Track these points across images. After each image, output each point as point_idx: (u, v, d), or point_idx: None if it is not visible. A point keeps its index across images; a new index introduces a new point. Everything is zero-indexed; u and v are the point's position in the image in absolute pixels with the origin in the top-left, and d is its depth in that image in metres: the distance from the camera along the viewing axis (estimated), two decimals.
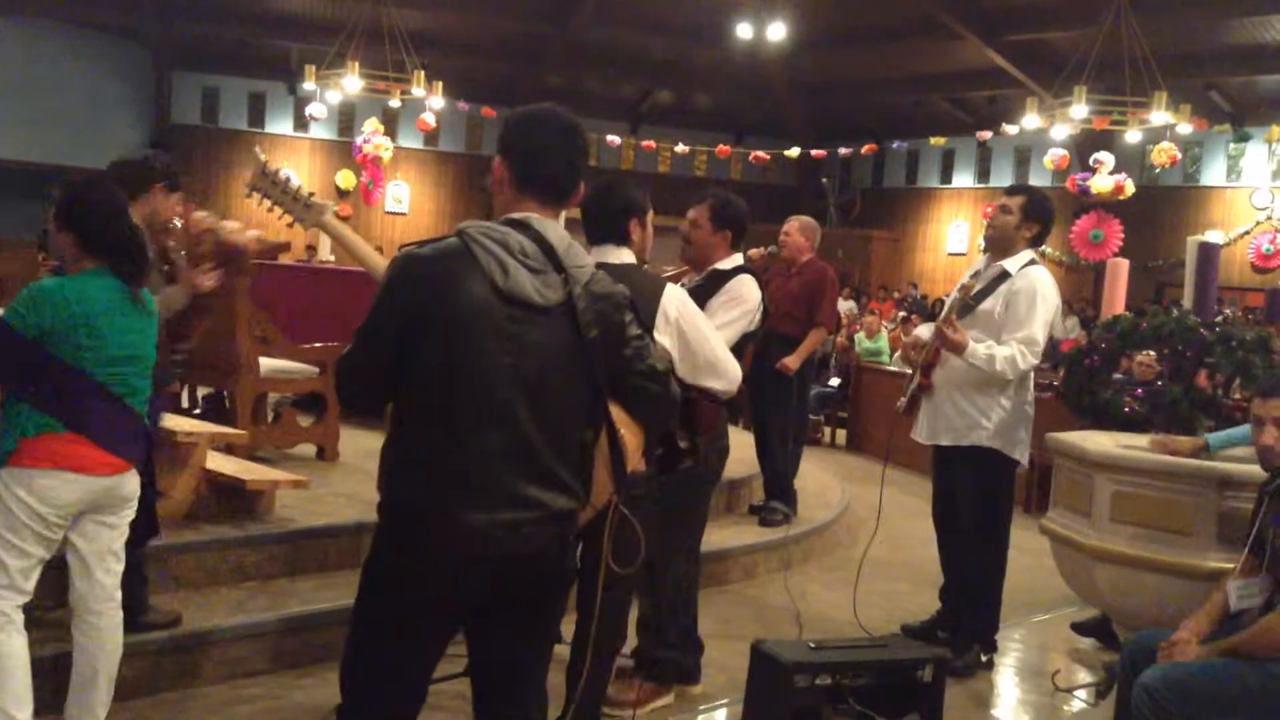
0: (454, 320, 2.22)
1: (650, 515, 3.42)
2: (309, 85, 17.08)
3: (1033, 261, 4.57)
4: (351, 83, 16.28)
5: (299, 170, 21.39)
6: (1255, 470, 3.95)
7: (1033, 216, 4.56)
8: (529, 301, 2.25)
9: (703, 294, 3.94)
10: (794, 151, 18.92)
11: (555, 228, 2.37)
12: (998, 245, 4.58)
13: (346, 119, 20.95)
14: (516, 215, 2.36)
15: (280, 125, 21.42)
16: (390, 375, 2.29)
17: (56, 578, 3.40)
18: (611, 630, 3.46)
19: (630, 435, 2.47)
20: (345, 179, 21.06)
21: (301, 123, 20.57)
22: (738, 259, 4.15)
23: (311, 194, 2.96)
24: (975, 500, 4.59)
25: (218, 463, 4.74)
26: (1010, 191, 4.67)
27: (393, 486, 2.30)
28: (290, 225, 3.04)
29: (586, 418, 2.37)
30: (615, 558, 2.50)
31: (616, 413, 2.43)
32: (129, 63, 19.97)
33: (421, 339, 2.23)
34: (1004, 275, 4.51)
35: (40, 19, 18.72)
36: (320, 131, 20.93)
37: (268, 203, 2.94)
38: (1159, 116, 13.78)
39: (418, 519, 2.24)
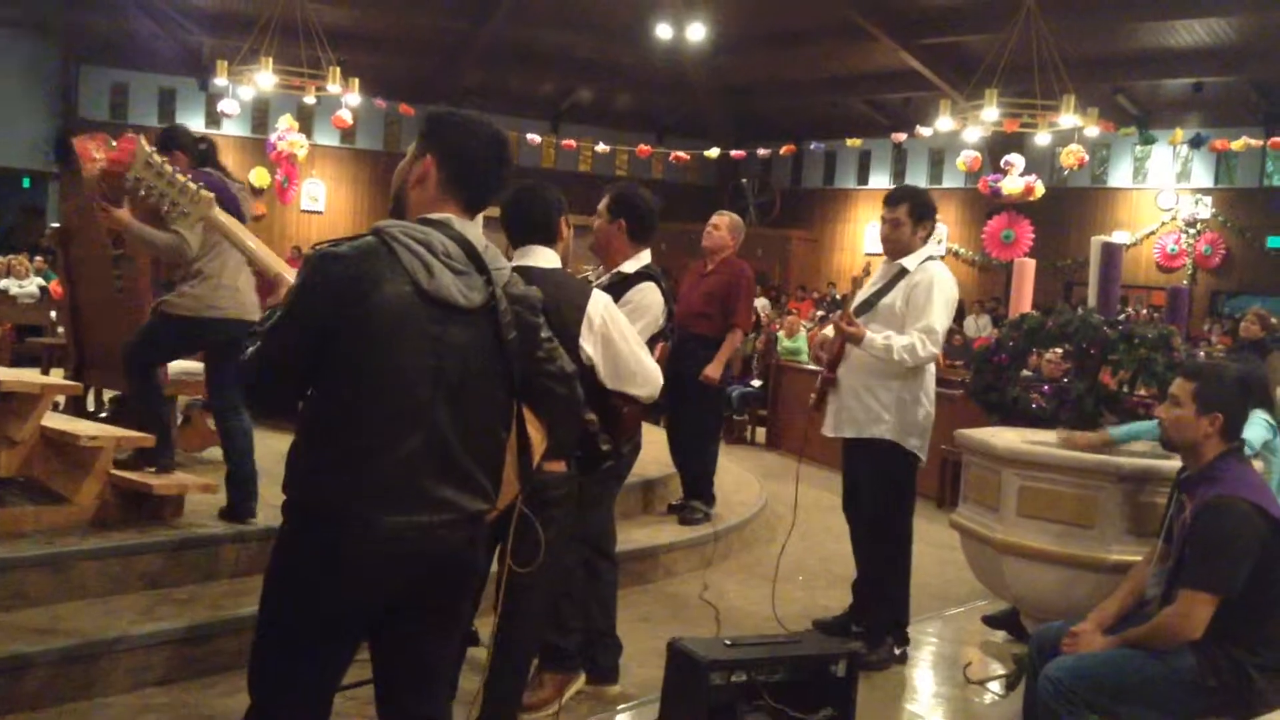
0: (375, 321, 2.18)
1: (570, 517, 3.42)
2: (221, 81, 16.76)
3: (930, 258, 4.70)
4: (265, 79, 16.00)
5: (211, 167, 20.93)
6: (1156, 464, 4.07)
7: (920, 217, 4.70)
8: (452, 303, 2.24)
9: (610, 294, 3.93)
10: (714, 152, 19.05)
11: (474, 229, 2.36)
12: (898, 253, 4.72)
13: (260, 116, 20.60)
14: (436, 215, 2.33)
15: (191, 121, 20.91)
16: (301, 376, 2.24)
17: None
18: (529, 632, 3.44)
19: (536, 435, 2.47)
20: (259, 177, 20.67)
21: (214, 119, 20.17)
22: (643, 258, 4.14)
23: (200, 186, 2.87)
24: (876, 492, 4.70)
25: (124, 467, 4.63)
26: (892, 202, 4.74)
27: (305, 488, 2.26)
28: (172, 216, 2.95)
29: (502, 419, 2.37)
30: (516, 557, 2.50)
31: (524, 413, 2.43)
32: (36, 57, 19.40)
33: (340, 340, 2.19)
34: (903, 272, 4.66)
35: None
36: (233, 128, 20.53)
37: (153, 195, 2.85)
38: (1067, 119, 14.13)
39: (332, 521, 2.20)
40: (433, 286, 2.22)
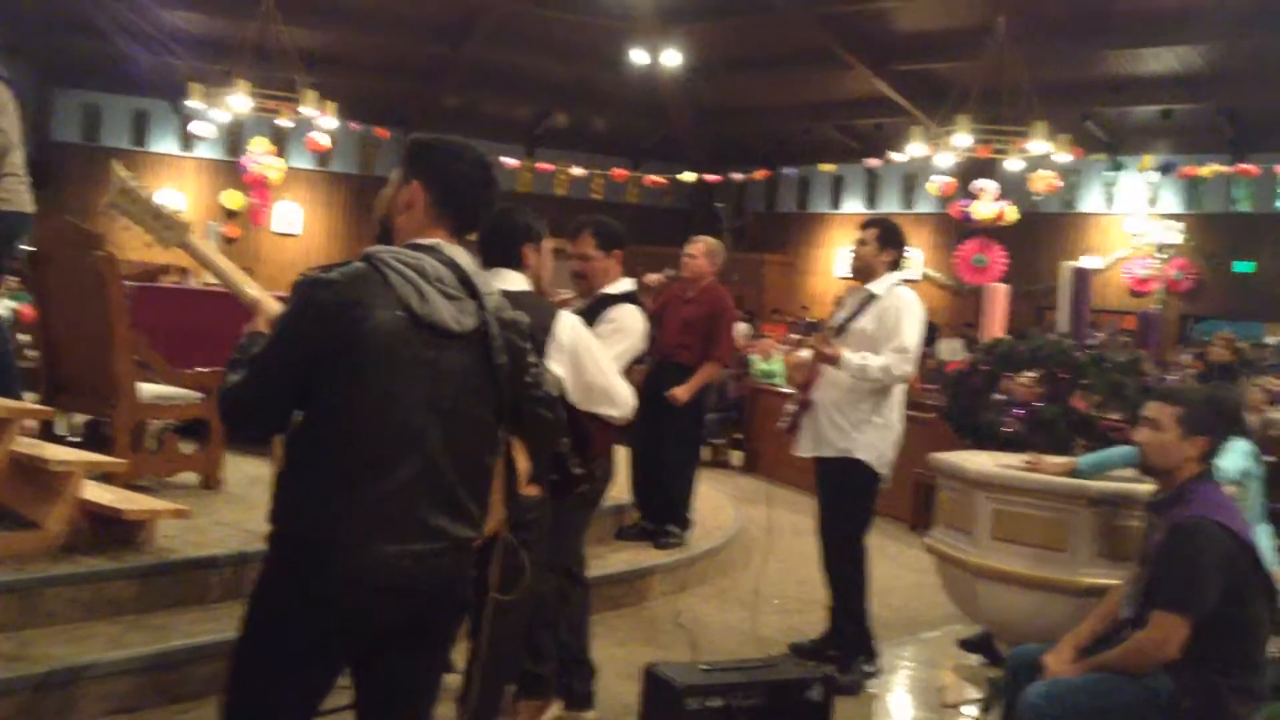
0: (367, 348, 2.17)
1: (544, 542, 3.42)
2: (195, 103, 16.71)
3: (897, 283, 4.81)
4: (239, 101, 15.97)
5: (184, 190, 20.88)
6: (1128, 487, 4.11)
7: (887, 243, 4.85)
8: (445, 328, 2.23)
9: (589, 318, 3.95)
10: (689, 176, 19.15)
11: (463, 254, 2.36)
12: (863, 274, 4.87)
13: (234, 138, 20.53)
14: (425, 240, 2.32)
15: (165, 144, 20.89)
16: (289, 405, 2.23)
17: None
18: (505, 659, 3.43)
19: (522, 460, 2.47)
20: (232, 199, 20.61)
21: (187, 142, 20.11)
22: (627, 284, 4.17)
23: (176, 212, 2.85)
24: (836, 510, 4.76)
25: (95, 492, 4.57)
26: (865, 225, 4.96)
27: (294, 517, 2.23)
28: (149, 245, 2.93)
29: (491, 445, 2.37)
30: (500, 584, 2.49)
31: (510, 438, 2.43)
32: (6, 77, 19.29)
33: (330, 367, 2.17)
34: (871, 297, 4.77)
35: None
36: (206, 151, 20.47)
37: (126, 221, 2.82)
38: (1038, 145, 14.30)
39: (323, 550, 2.17)
40: (426, 311, 2.21)
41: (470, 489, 2.31)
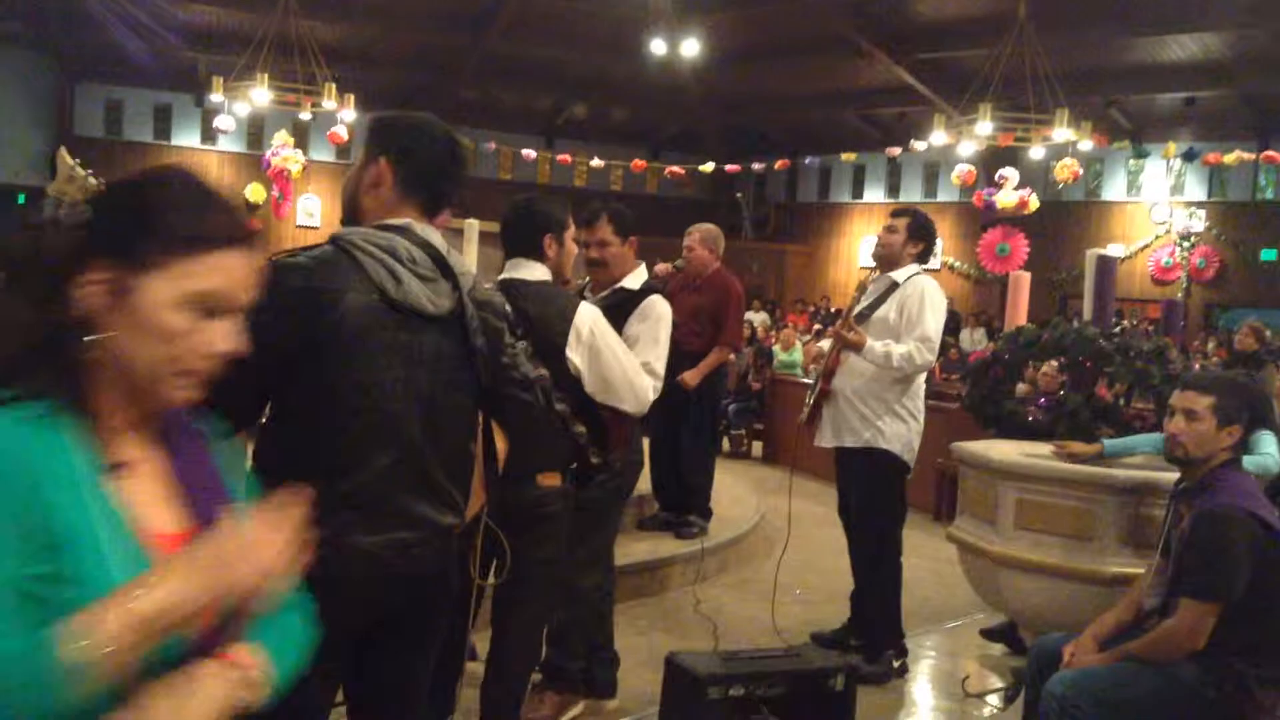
0: (340, 334, 2.09)
1: (565, 532, 3.42)
2: (216, 97, 16.77)
3: (919, 272, 4.79)
4: (260, 95, 16.03)
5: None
6: (1154, 476, 4.08)
7: (916, 236, 4.81)
8: (421, 311, 2.16)
9: (614, 314, 3.93)
10: (709, 166, 19.09)
11: (435, 234, 2.29)
12: (886, 262, 4.84)
13: (256, 132, 20.63)
14: (395, 221, 2.24)
15: (187, 138, 21.00)
16: (261, 396, 2.15)
17: None
18: (525, 648, 3.44)
19: (501, 444, 2.44)
20: (255, 192, 20.70)
21: (209, 135, 20.19)
22: (642, 274, 4.16)
23: None
24: (867, 502, 4.73)
25: None
26: (895, 214, 4.93)
27: None
28: None
29: (471, 428, 2.31)
30: (482, 570, 2.45)
31: (490, 422, 2.39)
32: (31, 73, 19.43)
33: (303, 355, 2.09)
34: (894, 285, 4.74)
35: None
36: (228, 144, 20.56)
37: (76, 213, 2.75)
38: (1061, 133, 14.18)
39: (303, 545, 2.13)
40: (401, 295, 2.14)
41: (451, 474, 2.25)
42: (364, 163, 2.31)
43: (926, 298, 4.65)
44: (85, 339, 1.32)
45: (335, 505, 2.09)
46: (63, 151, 2.81)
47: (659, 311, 4.01)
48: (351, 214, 2.32)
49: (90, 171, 2.75)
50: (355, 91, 16.61)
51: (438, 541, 2.23)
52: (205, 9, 18.63)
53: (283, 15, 16.28)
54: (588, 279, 4.27)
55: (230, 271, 1.40)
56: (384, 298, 2.13)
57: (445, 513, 2.24)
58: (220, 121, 18.09)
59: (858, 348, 4.59)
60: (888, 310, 4.68)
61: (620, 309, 3.96)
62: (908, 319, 4.62)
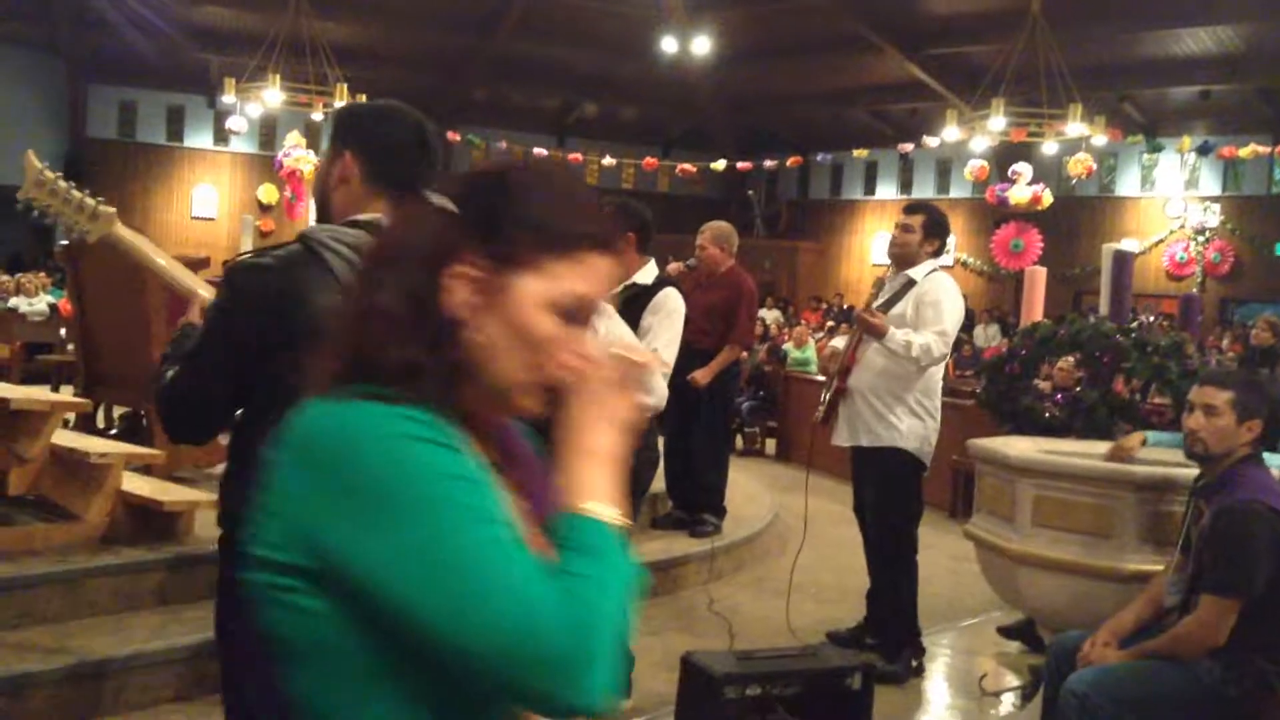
0: (307, 339, 2.01)
1: None
2: (229, 98, 16.81)
3: (936, 269, 4.76)
4: (272, 95, 16.06)
5: (219, 185, 21.05)
6: (1174, 472, 4.04)
7: (932, 233, 4.77)
8: None
9: (630, 309, 3.93)
10: (720, 164, 19.06)
11: None
12: (902, 261, 4.80)
13: (268, 132, 20.67)
14: (365, 216, 2.16)
15: (200, 139, 21.05)
16: (229, 402, 2.09)
17: None
18: None
19: None
20: (268, 193, 20.75)
21: (222, 136, 20.24)
22: (653, 269, 4.16)
23: (100, 201, 2.68)
24: (884, 500, 4.70)
25: (134, 484, 4.62)
26: (910, 210, 4.86)
27: (243, 523, 2.10)
28: (72, 237, 2.75)
29: None
30: None
31: None
32: (43, 75, 19.50)
33: (270, 361, 1.98)
34: (911, 283, 4.71)
35: None
36: (241, 145, 20.61)
37: (48, 216, 2.66)
38: (1074, 128, 14.12)
39: None
40: None
41: None
42: (330, 157, 2.23)
43: (944, 294, 4.63)
44: (459, 337, 1.22)
45: None
46: (30, 154, 2.72)
47: (672, 305, 4.02)
48: (323, 210, 2.25)
49: (59, 174, 2.67)
50: (366, 92, 16.61)
51: None
52: (217, 10, 18.68)
53: (294, 16, 16.31)
54: None
55: (598, 274, 1.29)
56: None
57: None
58: (232, 123, 18.14)
59: (880, 334, 4.54)
60: (904, 307, 4.65)
61: (635, 303, 3.97)
62: (924, 316, 4.59)
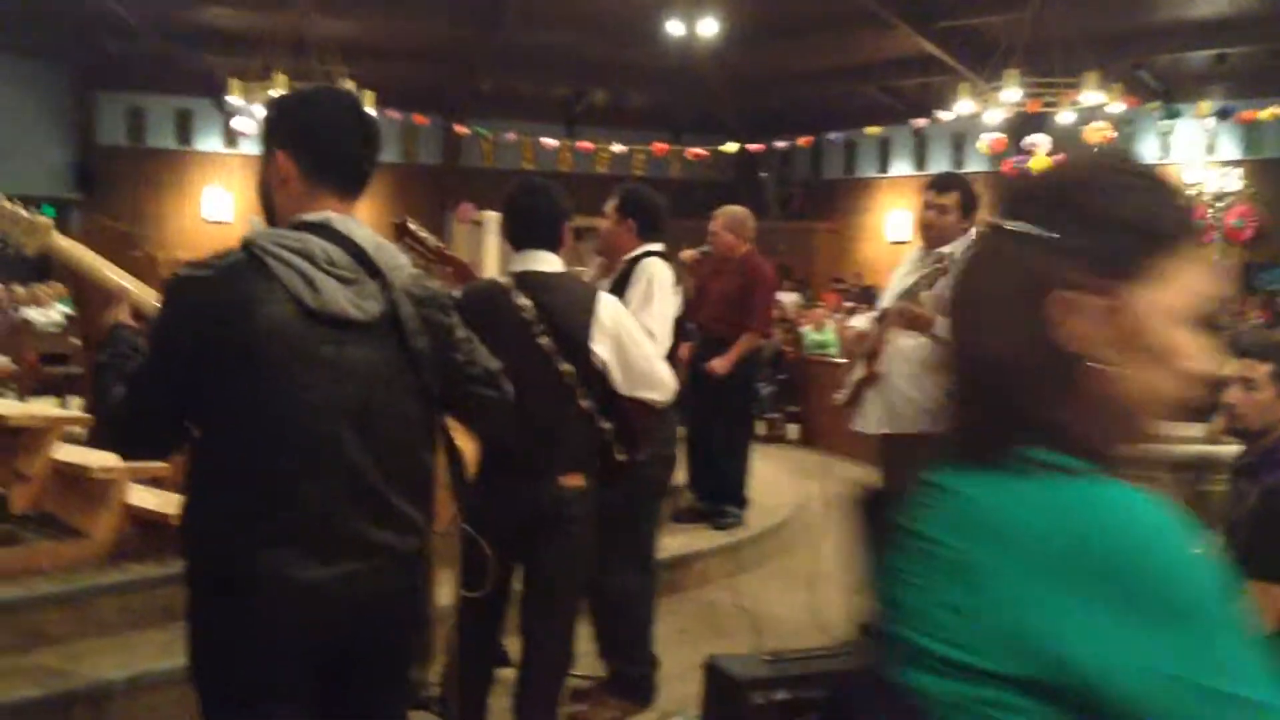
0: (254, 351, 1.91)
1: (589, 534, 3.28)
2: (235, 100, 16.72)
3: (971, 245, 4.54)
4: (278, 95, 15.97)
5: (230, 188, 20.99)
6: (1212, 450, 3.89)
7: (970, 209, 4.54)
8: (345, 318, 1.97)
9: (617, 290, 3.81)
10: (731, 147, 18.88)
11: (359, 227, 2.09)
12: (939, 241, 4.53)
13: None
14: (311, 217, 2.05)
15: (210, 143, 20.98)
16: (176, 423, 1.99)
17: None
18: (555, 656, 3.30)
19: (467, 446, 2.28)
20: None
21: (232, 139, 20.16)
22: (652, 246, 4.04)
23: (35, 214, 2.58)
24: None
25: (141, 497, 4.52)
26: (941, 187, 4.57)
27: (204, 550, 1.99)
28: (4, 251, 2.67)
29: (424, 438, 2.12)
30: (465, 582, 2.35)
31: (450, 424, 2.23)
32: (52, 84, 19.44)
33: (216, 378, 1.92)
34: (948, 261, 4.45)
35: None
36: (251, 147, 20.52)
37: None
38: (1090, 97, 13.88)
39: (243, 584, 1.93)
40: (319, 303, 1.95)
41: (405, 492, 2.06)
42: (264, 159, 2.12)
43: None
44: (1085, 373, 1.07)
45: (274, 538, 1.92)
46: None
47: (649, 272, 3.89)
48: (268, 214, 2.13)
49: (16, 200, 2.56)
50: (372, 88, 16.51)
51: (394, 566, 2.04)
52: (219, 10, 18.57)
53: (297, 15, 16.19)
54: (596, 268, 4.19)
55: (1209, 271, 1.12)
56: (300, 307, 1.93)
57: (403, 535, 2.05)
58: (238, 124, 18.04)
59: (926, 326, 4.30)
60: (943, 288, 4.37)
61: (622, 282, 3.87)
62: None
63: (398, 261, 2.10)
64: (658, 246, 4.04)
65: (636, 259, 3.97)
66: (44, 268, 17.32)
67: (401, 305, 2.05)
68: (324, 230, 2.03)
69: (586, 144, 19.91)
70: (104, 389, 2.06)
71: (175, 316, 1.97)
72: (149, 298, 2.38)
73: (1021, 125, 16.75)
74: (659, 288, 3.85)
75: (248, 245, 1.98)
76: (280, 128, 2.11)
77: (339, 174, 2.08)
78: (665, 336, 3.79)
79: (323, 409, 1.95)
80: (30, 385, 9.17)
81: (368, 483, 2.00)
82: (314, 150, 2.06)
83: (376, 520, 2.01)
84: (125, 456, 2.19)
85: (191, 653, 2.05)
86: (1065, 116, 15.35)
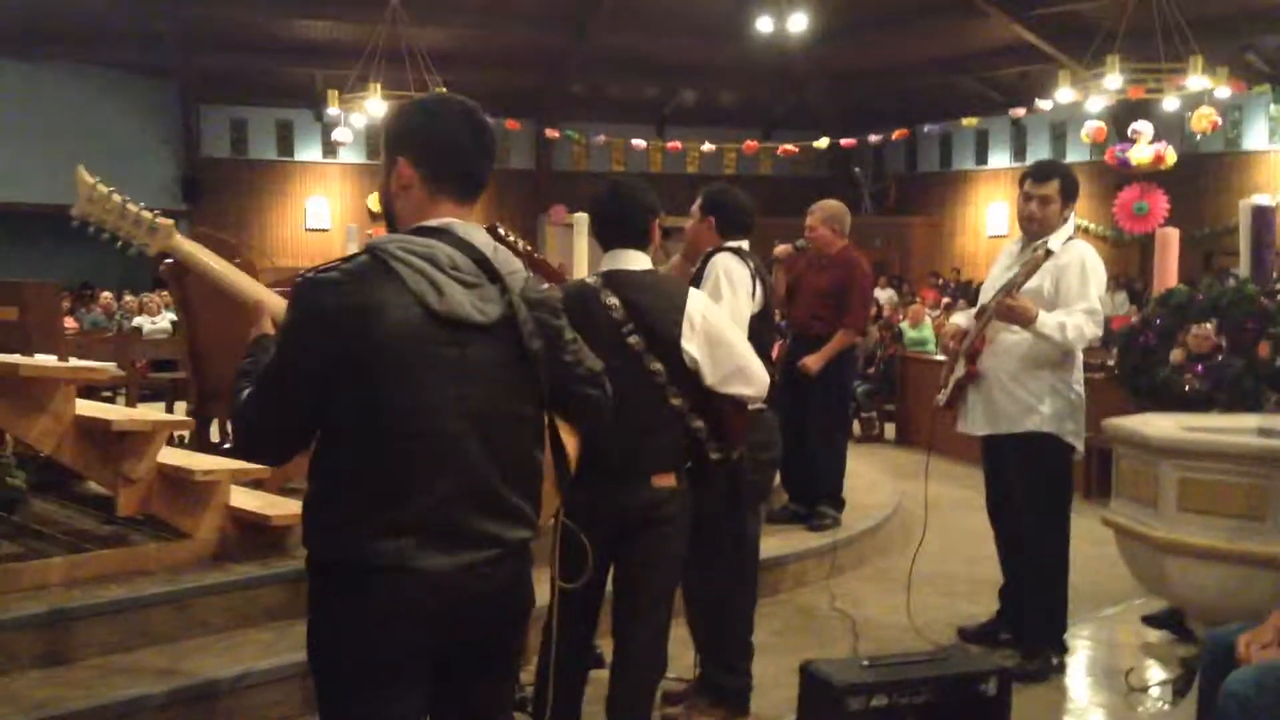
0: (383, 354, 1.96)
1: (682, 535, 3.24)
2: (334, 110, 17.07)
3: (1072, 236, 4.40)
4: (375, 105, 16.26)
5: (330, 196, 21.46)
6: None
7: (1070, 196, 4.42)
8: (468, 321, 2.02)
9: (693, 285, 3.77)
10: (823, 142, 18.66)
11: (478, 232, 2.14)
12: (1042, 232, 4.39)
13: (374, 141, 20.95)
14: (433, 222, 2.10)
15: (309, 152, 21.48)
16: (306, 424, 2.03)
17: None
18: (647, 659, 3.27)
19: (571, 443, 2.31)
20: (376, 202, 21.00)
21: (330, 148, 20.60)
22: (729, 244, 3.99)
23: (155, 215, 2.61)
24: (1033, 491, 4.38)
25: (243, 499, 4.61)
26: (1039, 177, 4.41)
27: (330, 543, 2.04)
28: (127, 252, 2.70)
29: (535, 435, 2.18)
30: (561, 572, 2.35)
31: (557, 423, 2.27)
32: (157, 99, 20.11)
33: (345, 380, 1.97)
34: (1047, 254, 4.30)
35: (67, 62, 18.88)
36: (348, 156, 20.96)
37: (104, 232, 2.60)
38: (1196, 82, 13.41)
39: (367, 576, 1.99)
40: (444, 306, 1.99)
41: (519, 487, 2.12)
42: (385, 167, 2.17)
43: (1088, 266, 4.26)
44: None
45: (400, 530, 1.99)
46: (80, 170, 2.68)
47: (719, 268, 3.83)
48: (390, 221, 2.18)
49: (113, 189, 2.62)
50: (465, 94, 16.66)
51: (509, 558, 2.11)
52: (317, 24, 19.00)
53: (391, 24, 16.48)
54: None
55: None
56: (426, 310, 1.98)
57: (515, 527, 2.12)
58: (338, 134, 18.42)
59: (1028, 321, 4.17)
60: (1041, 280, 4.24)
61: (696, 280, 3.83)
62: (1067, 290, 4.23)
63: (513, 266, 2.16)
64: (737, 244, 3.97)
65: (710, 255, 3.93)
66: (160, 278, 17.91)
67: (518, 308, 2.10)
68: (446, 235, 2.08)
69: (676, 144, 19.89)
70: (234, 395, 2.14)
71: (304, 318, 2.03)
72: (280, 305, 2.42)
73: (1124, 113, 16.25)
74: (728, 283, 3.79)
75: (373, 250, 2.03)
76: (402, 136, 2.15)
77: (458, 181, 2.13)
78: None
79: (446, 407, 2.01)
80: (138, 391, 9.45)
81: (485, 477, 2.06)
82: (434, 158, 2.11)
83: (493, 513, 2.07)
84: (248, 459, 2.24)
85: (313, 640, 2.12)
86: (1170, 103, 14.86)
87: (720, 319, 3.27)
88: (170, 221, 2.60)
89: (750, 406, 3.34)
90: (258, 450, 2.16)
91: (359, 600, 2.01)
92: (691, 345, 3.14)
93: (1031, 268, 4.18)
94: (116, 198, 2.57)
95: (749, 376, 3.22)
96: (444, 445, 2.01)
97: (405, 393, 1.98)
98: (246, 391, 2.09)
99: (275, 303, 2.38)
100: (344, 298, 1.97)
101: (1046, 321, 4.14)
